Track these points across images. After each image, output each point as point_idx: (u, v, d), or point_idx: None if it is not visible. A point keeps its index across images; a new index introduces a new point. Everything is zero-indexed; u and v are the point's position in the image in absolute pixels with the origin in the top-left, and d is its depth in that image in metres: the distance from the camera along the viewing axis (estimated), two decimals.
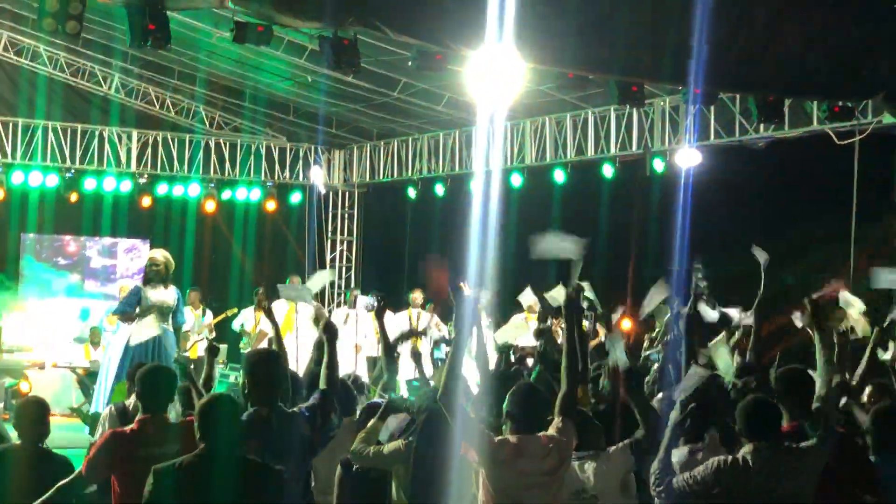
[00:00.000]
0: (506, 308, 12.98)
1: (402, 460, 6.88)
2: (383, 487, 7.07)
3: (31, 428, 6.76)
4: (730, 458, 6.12)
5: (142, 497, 5.53)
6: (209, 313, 18.00)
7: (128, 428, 6.59)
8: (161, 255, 13.23)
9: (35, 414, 6.82)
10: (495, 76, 12.23)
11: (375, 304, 9.86)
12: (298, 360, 9.28)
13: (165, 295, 12.92)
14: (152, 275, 12.94)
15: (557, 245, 7.64)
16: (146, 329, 11.60)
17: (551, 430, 6.23)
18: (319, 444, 6.78)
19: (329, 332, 7.05)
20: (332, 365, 6.87)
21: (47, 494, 6.33)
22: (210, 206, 20.58)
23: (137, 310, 12.73)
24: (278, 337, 7.97)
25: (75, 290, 20.22)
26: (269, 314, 7.92)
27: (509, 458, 6.09)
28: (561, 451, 6.19)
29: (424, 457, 6.64)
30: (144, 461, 5.90)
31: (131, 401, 8.31)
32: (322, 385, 6.83)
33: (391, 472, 7.03)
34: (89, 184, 19.59)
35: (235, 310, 17.37)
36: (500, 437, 6.21)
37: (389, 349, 8.49)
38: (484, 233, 13.27)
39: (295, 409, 6.54)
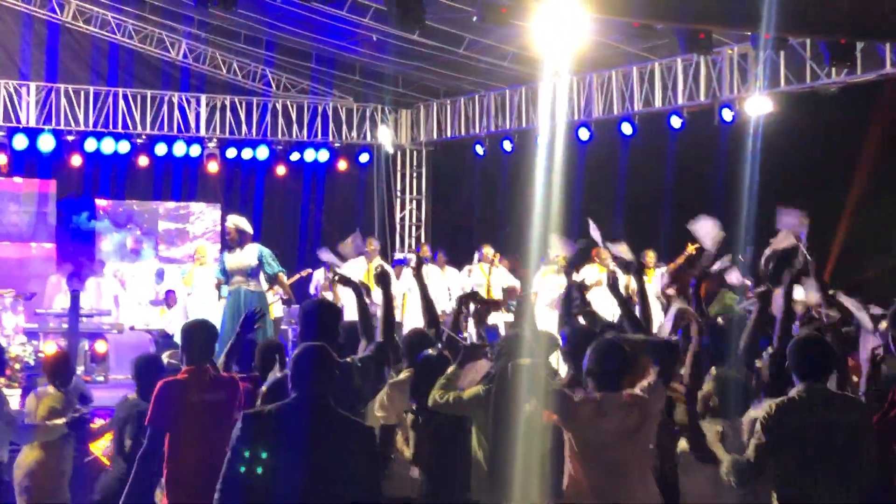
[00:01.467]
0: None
1: (481, 406, 6.84)
2: (462, 433, 7.05)
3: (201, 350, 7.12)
4: (784, 398, 6.07)
5: (191, 441, 6.25)
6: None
7: (177, 376, 7.03)
8: (230, 221, 13.95)
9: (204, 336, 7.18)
10: (560, 29, 12.13)
11: (413, 260, 10.00)
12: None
13: (242, 257, 13.64)
14: (229, 241, 13.92)
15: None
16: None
17: (637, 388, 6.19)
18: (368, 395, 6.74)
19: (382, 281, 7.03)
20: (388, 317, 6.88)
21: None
22: (279, 169, 20.66)
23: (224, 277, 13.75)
24: (425, 295, 8.30)
25: (148, 253, 20.41)
26: (384, 280, 7.55)
27: (590, 416, 6.07)
28: (643, 409, 6.13)
29: (503, 403, 6.60)
30: (196, 406, 6.69)
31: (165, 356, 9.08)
32: (378, 336, 6.78)
33: (470, 419, 7.01)
34: (160, 149, 19.73)
35: (308, 270, 17.43)
36: (580, 396, 6.19)
37: (431, 308, 8.41)
38: (551, 187, 13.24)
39: (348, 359, 6.52)
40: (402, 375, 7.55)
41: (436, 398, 6.96)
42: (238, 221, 13.80)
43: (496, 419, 6.75)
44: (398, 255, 15.22)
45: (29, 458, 8.58)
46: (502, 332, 14.28)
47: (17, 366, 13.62)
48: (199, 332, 7.09)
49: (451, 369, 7.09)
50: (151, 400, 6.89)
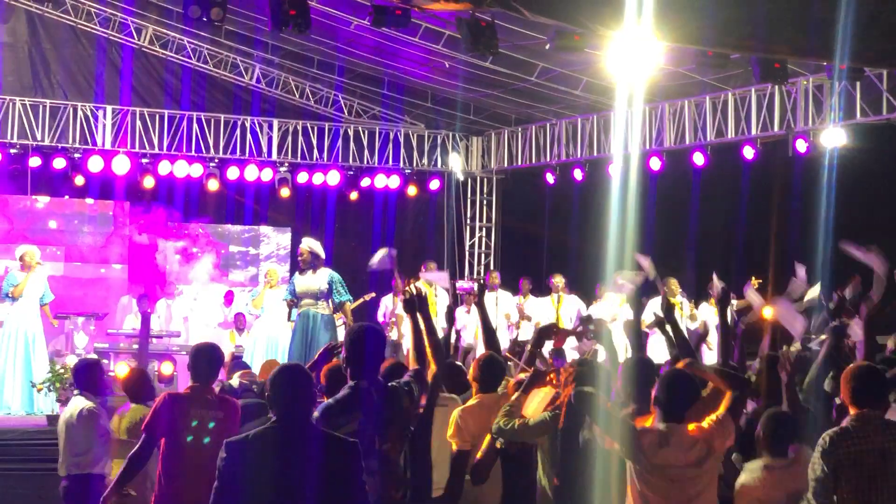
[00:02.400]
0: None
1: (547, 433, 6.86)
2: (528, 461, 7.05)
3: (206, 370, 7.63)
4: (837, 428, 6.05)
5: (186, 454, 6.76)
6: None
7: (183, 390, 7.64)
8: (305, 243, 14.21)
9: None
10: (633, 57, 12.15)
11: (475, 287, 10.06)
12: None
13: (312, 280, 13.93)
14: (301, 263, 14.17)
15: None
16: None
17: (705, 422, 6.13)
18: (415, 418, 6.75)
19: (409, 307, 7.07)
20: (419, 344, 6.87)
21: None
22: (349, 194, 20.73)
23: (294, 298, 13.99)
24: (486, 324, 8.49)
25: (218, 276, 20.57)
26: (411, 306, 7.35)
27: (653, 446, 6.02)
28: (709, 443, 6.05)
29: (571, 431, 6.60)
30: (195, 419, 7.19)
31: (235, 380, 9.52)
32: (413, 364, 6.84)
33: (536, 446, 7.01)
34: (231, 173, 19.89)
35: (373, 294, 17.49)
36: (643, 426, 6.15)
37: (491, 336, 8.47)
38: (623, 217, 13.22)
39: (394, 383, 6.56)
40: (473, 401, 7.59)
41: (500, 424, 6.97)
42: (313, 245, 14.06)
43: (564, 447, 6.74)
44: (463, 283, 15.27)
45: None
46: (569, 357, 14.25)
47: None
48: (204, 355, 7.61)
49: (515, 395, 7.12)
50: (151, 408, 7.45)
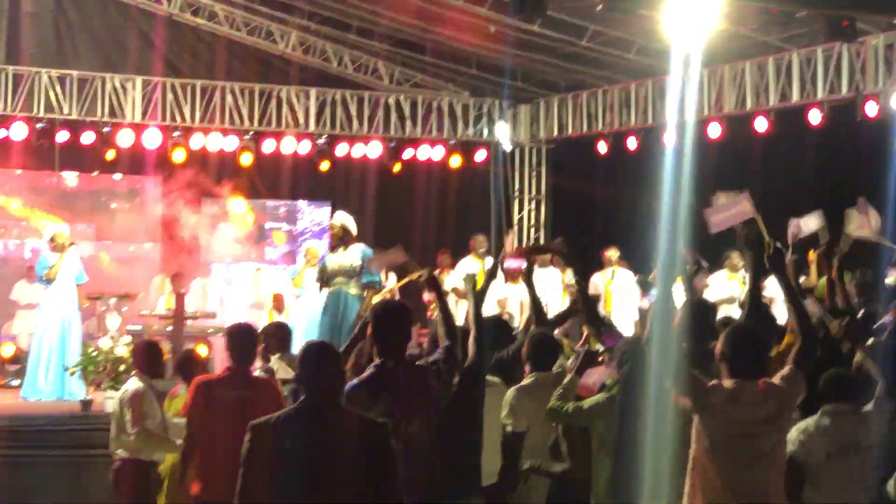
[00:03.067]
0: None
1: (603, 415, 6.83)
2: (584, 445, 7.12)
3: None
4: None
5: (221, 435, 7.18)
6: (392, 276, 18.12)
7: (214, 374, 8.30)
8: (337, 218, 14.12)
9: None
10: (690, 17, 12.03)
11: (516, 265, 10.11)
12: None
13: (345, 257, 13.74)
14: (332, 240, 14.13)
15: (730, 210, 7.78)
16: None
17: (775, 378, 6.13)
18: (444, 398, 6.77)
19: (431, 285, 7.29)
20: (446, 319, 6.92)
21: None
22: (391, 167, 20.72)
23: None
24: (535, 301, 8.86)
25: (255, 255, 20.68)
26: (433, 285, 7.68)
27: (722, 403, 6.01)
28: (780, 400, 6.06)
29: (629, 410, 6.64)
30: (220, 401, 7.60)
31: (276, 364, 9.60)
32: (443, 340, 6.87)
33: (591, 429, 7.04)
34: (268, 145, 19.90)
35: (423, 271, 17.36)
36: (713, 382, 6.12)
37: (541, 313, 8.75)
38: (678, 189, 13.13)
39: (421, 362, 6.67)
40: (528, 380, 7.65)
41: (554, 407, 6.98)
42: (345, 219, 13.92)
43: (623, 426, 6.78)
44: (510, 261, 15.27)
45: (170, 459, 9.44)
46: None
47: (123, 367, 13.89)
48: (240, 335, 7.99)
49: (568, 378, 7.20)
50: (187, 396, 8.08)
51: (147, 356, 9.75)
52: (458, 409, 6.71)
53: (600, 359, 7.52)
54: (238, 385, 7.70)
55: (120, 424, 9.37)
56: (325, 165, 20.30)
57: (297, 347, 12.21)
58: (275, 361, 9.69)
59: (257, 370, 8.87)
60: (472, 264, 16.87)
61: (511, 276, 15.83)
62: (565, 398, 7.09)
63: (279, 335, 10.06)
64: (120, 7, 19.54)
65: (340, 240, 13.79)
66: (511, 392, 7.65)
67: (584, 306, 8.71)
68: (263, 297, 18.61)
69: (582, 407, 7.04)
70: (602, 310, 16.48)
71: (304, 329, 15.67)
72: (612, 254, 17.34)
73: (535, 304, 8.91)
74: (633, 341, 7.27)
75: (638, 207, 15.58)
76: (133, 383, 9.47)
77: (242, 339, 7.98)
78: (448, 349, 6.74)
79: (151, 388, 9.49)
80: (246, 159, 19.83)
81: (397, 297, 16.79)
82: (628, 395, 6.76)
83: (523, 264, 9.65)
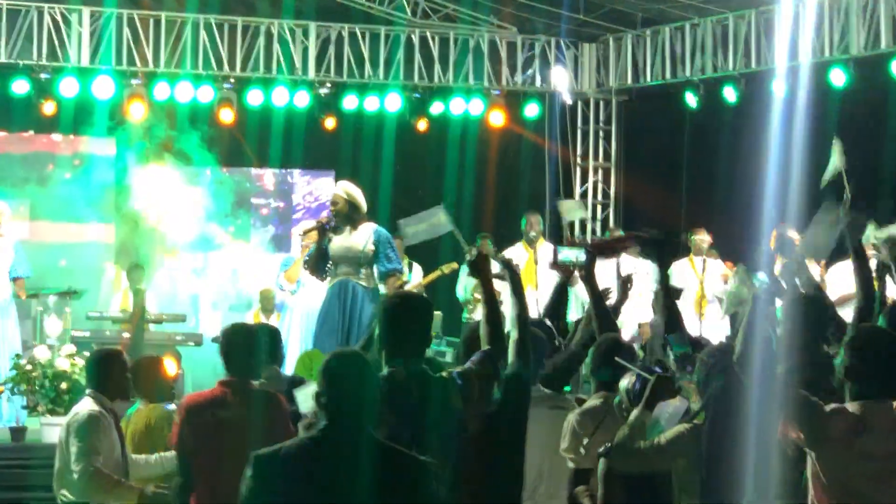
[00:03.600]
0: None
1: (686, 452, 6.94)
2: (665, 486, 7.22)
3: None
4: None
5: (215, 464, 7.39)
6: (417, 269, 18.17)
7: (206, 392, 8.28)
8: (342, 189, 14.08)
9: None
10: None
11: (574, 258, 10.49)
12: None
13: (352, 240, 13.75)
14: (335, 217, 13.91)
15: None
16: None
17: None
18: (473, 420, 6.82)
19: (475, 268, 7.21)
20: (492, 315, 7.00)
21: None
22: (416, 124, 20.77)
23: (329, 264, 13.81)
24: (598, 302, 9.04)
25: (238, 238, 20.87)
26: (478, 268, 7.49)
27: (845, 433, 6.06)
28: None
29: (719, 442, 6.75)
30: (212, 426, 7.78)
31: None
32: (484, 343, 6.94)
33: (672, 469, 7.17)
34: (254, 97, 19.93)
35: (454, 265, 17.33)
36: (833, 406, 6.16)
37: (607, 317, 8.94)
38: (789, 150, 13.13)
39: (443, 373, 6.67)
40: (593, 401, 7.78)
41: (621, 444, 7.10)
42: (351, 190, 13.94)
43: (710, 466, 6.87)
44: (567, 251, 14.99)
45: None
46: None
47: (66, 385, 13.89)
48: (240, 338, 8.17)
49: (635, 413, 7.22)
50: (175, 419, 8.22)
51: (103, 370, 9.53)
52: (493, 432, 6.70)
53: (678, 385, 7.58)
54: (238, 403, 7.84)
55: (65, 459, 9.24)
56: (331, 123, 20.41)
57: (290, 358, 12.39)
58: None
59: None
60: (521, 254, 16.84)
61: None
62: (634, 437, 7.11)
63: (267, 342, 9.99)
64: None
65: (346, 218, 13.76)
66: (573, 416, 7.76)
67: (666, 312, 8.78)
68: (248, 294, 18.62)
69: (659, 444, 7.08)
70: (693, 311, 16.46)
71: (301, 335, 15.60)
72: (703, 239, 17.48)
73: (598, 305, 9.09)
74: (722, 351, 7.30)
75: (737, 178, 15.55)
76: (85, 406, 9.31)
77: (242, 344, 8.12)
78: (487, 355, 6.78)
79: (110, 414, 9.31)
80: (226, 116, 19.88)
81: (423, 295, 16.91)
82: (718, 424, 6.85)
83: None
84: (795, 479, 6.35)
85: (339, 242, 13.78)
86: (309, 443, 5.41)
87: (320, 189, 21.36)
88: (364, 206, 13.90)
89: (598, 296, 9.17)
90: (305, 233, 14.90)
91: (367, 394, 5.42)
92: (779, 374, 6.35)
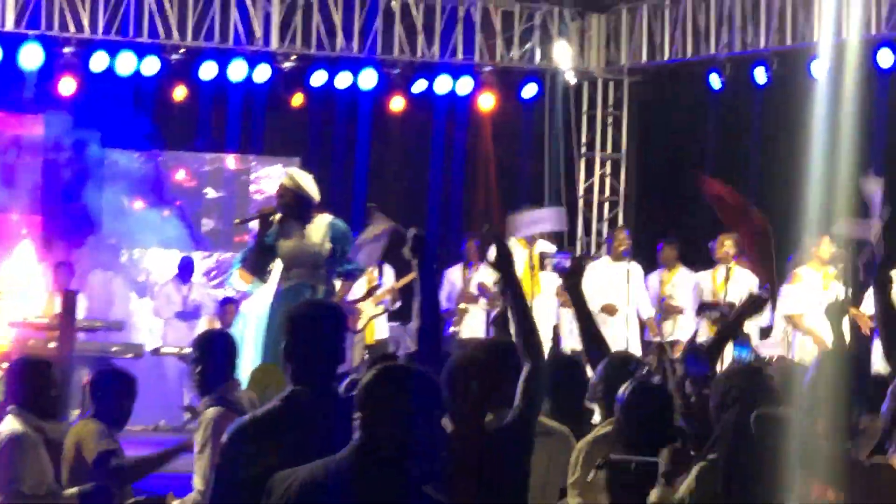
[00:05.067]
0: None
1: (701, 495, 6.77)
2: None
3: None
4: None
5: None
6: (389, 271, 17.98)
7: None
8: (288, 176, 14.01)
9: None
10: None
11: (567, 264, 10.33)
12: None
13: (305, 238, 13.57)
14: (282, 209, 13.64)
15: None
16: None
17: None
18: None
19: (495, 266, 7.11)
20: (521, 322, 6.95)
21: None
22: (393, 104, 20.84)
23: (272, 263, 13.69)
24: (583, 316, 8.99)
25: (185, 236, 20.79)
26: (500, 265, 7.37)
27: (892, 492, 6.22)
28: None
29: (739, 484, 6.61)
30: None
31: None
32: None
33: None
34: (206, 71, 19.89)
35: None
36: (875, 460, 6.38)
37: (589, 331, 8.95)
38: (833, 138, 12.99)
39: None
40: (605, 429, 7.75)
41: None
42: (299, 177, 13.71)
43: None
44: (554, 257, 14.76)
45: None
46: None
47: None
48: (216, 348, 8.63)
49: (656, 491, 7.06)
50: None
51: (28, 383, 9.30)
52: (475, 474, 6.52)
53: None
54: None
55: None
56: (297, 100, 20.65)
57: (243, 370, 12.10)
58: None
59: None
60: (517, 253, 16.61)
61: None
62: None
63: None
64: None
65: (294, 209, 13.43)
66: (581, 446, 7.68)
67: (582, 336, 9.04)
68: (197, 298, 18.46)
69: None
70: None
71: (255, 344, 15.48)
72: (729, 245, 17.28)
73: (583, 319, 9.05)
74: (746, 373, 7.26)
75: (770, 172, 15.44)
76: (7, 425, 9.12)
77: (219, 354, 8.49)
78: (535, 370, 6.77)
79: (37, 432, 9.11)
80: (175, 92, 19.97)
81: (398, 301, 16.64)
82: (737, 460, 6.65)
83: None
84: None
85: (290, 242, 13.51)
86: (280, 406, 6.00)
87: (273, 174, 21.63)
88: (316, 194, 13.58)
89: (584, 310, 9.09)
90: (241, 222, 14.69)
91: (329, 350, 6.07)
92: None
